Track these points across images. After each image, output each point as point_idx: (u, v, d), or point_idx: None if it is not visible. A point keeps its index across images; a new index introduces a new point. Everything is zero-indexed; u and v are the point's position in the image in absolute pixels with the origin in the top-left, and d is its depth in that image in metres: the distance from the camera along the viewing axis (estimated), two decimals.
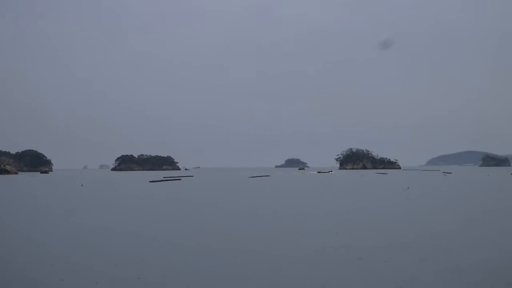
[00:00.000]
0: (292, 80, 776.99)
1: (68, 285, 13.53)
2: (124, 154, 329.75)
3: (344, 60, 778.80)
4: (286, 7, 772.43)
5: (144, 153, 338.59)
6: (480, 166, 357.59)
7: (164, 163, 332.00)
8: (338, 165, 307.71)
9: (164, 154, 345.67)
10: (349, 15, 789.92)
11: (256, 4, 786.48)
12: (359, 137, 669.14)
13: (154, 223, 28.43)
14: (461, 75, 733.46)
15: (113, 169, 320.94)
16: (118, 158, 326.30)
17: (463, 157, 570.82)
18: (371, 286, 13.07)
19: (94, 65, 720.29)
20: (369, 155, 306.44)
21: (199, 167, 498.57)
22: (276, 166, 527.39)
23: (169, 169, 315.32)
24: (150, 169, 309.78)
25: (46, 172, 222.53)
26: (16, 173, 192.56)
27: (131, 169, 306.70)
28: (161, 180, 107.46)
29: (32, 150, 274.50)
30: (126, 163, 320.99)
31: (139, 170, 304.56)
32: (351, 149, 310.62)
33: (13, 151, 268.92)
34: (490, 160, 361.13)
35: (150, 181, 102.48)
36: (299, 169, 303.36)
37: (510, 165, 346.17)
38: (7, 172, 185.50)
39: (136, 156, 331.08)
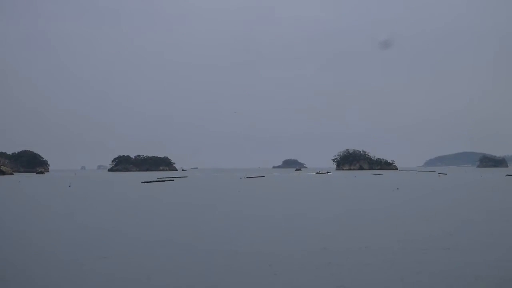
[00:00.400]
0: (290, 81, 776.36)
1: None
2: (121, 154, 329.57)
3: (342, 61, 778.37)
4: (286, 8, 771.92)
5: (143, 154, 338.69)
6: (478, 167, 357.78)
7: (161, 163, 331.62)
8: (335, 166, 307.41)
9: (163, 154, 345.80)
10: (347, 15, 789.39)
11: (256, 4, 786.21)
12: (357, 138, 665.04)
13: (126, 222, 28.22)
14: (460, 76, 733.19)
15: (109, 170, 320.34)
16: (115, 159, 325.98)
17: (461, 158, 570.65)
18: None
19: (93, 65, 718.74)
20: (366, 156, 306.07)
21: (197, 168, 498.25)
22: (274, 167, 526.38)
23: (166, 170, 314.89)
24: (147, 170, 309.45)
25: (42, 173, 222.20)
26: (12, 174, 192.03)
27: (127, 170, 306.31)
28: (153, 181, 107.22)
29: (29, 151, 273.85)
30: (122, 163, 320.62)
31: (136, 170, 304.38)
32: (347, 150, 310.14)
33: (10, 152, 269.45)
34: (488, 161, 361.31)
35: (142, 182, 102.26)
36: (295, 170, 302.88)
37: (507, 166, 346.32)
38: (3, 172, 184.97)
39: (133, 157, 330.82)
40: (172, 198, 53.32)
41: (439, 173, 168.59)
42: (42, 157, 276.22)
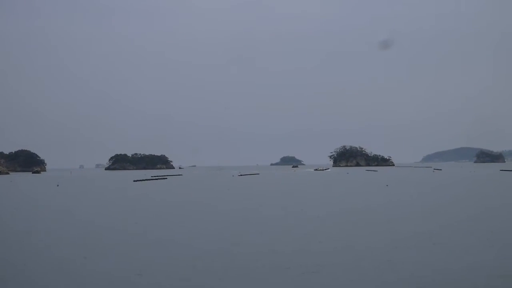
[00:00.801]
0: (288, 78, 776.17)
1: None
2: (118, 153, 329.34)
3: (341, 59, 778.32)
4: (286, 5, 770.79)
5: (141, 152, 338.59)
6: (475, 162, 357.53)
7: (158, 162, 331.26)
8: (331, 162, 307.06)
9: (162, 153, 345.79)
10: (348, 13, 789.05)
11: (256, 2, 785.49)
12: (355, 135, 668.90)
13: (104, 221, 28.25)
14: (459, 73, 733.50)
15: (106, 169, 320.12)
16: (112, 157, 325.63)
17: (459, 154, 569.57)
18: None
19: (92, 64, 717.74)
20: (363, 152, 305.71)
21: (195, 166, 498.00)
22: (272, 164, 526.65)
23: (163, 168, 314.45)
24: (144, 168, 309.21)
25: (38, 172, 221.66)
26: (7, 173, 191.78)
27: (125, 168, 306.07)
28: (146, 179, 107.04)
29: (26, 150, 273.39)
30: (120, 162, 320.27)
31: (133, 169, 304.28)
32: (344, 146, 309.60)
33: (7, 151, 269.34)
34: (485, 157, 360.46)
35: (134, 180, 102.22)
36: (292, 167, 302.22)
37: (504, 161, 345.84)
38: None
39: (130, 155, 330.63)
40: (156, 196, 53.39)
41: (434, 169, 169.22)
42: (39, 157, 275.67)
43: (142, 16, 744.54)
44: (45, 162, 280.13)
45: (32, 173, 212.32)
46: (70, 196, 56.48)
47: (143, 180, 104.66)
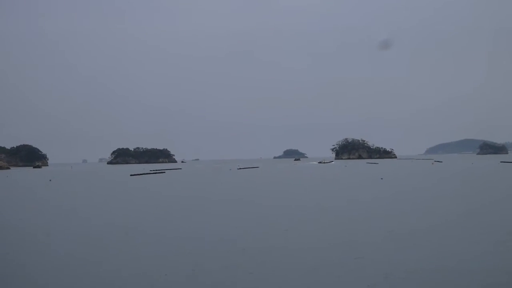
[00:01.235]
0: (291, 70, 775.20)
1: None
2: (121, 147, 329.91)
3: (343, 50, 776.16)
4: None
5: (143, 146, 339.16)
6: (478, 154, 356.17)
7: (160, 155, 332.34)
8: (334, 155, 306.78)
9: (166, 147, 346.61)
10: (350, 8, 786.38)
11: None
12: (359, 128, 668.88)
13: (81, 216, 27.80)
14: (461, 64, 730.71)
15: (109, 163, 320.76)
16: (114, 152, 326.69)
17: (463, 146, 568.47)
18: None
19: (94, 59, 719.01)
20: (365, 144, 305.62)
21: (198, 159, 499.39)
22: (275, 157, 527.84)
23: (166, 162, 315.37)
24: (146, 162, 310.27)
25: (39, 167, 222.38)
26: (8, 168, 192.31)
27: (127, 162, 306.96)
28: (143, 174, 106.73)
29: (27, 145, 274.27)
30: (122, 156, 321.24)
31: (135, 163, 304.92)
32: (346, 139, 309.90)
33: (9, 146, 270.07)
34: (488, 148, 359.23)
35: (131, 175, 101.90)
36: (294, 160, 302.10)
37: (507, 153, 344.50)
38: None
39: (132, 149, 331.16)
40: (145, 190, 53.01)
41: (435, 161, 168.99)
42: (40, 151, 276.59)
43: (143, 10, 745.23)
44: (47, 156, 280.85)
45: (33, 168, 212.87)
46: (56, 191, 56.00)
47: (140, 174, 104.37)
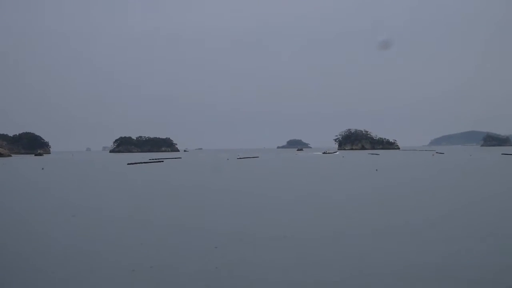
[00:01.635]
0: (295, 61, 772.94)
1: None
2: (123, 135, 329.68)
3: (346, 41, 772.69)
4: None
5: (147, 135, 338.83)
6: (482, 146, 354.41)
7: (163, 144, 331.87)
8: (337, 146, 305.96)
9: (170, 136, 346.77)
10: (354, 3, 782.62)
11: None
12: (364, 118, 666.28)
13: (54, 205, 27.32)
14: (467, 53, 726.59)
15: (111, 151, 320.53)
16: (116, 140, 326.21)
17: (467, 137, 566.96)
18: None
19: (99, 48, 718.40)
20: (368, 135, 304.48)
21: (201, 149, 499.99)
22: (278, 147, 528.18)
23: (168, 151, 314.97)
24: (148, 151, 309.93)
25: (40, 154, 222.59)
26: (10, 156, 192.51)
27: (129, 151, 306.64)
28: (140, 162, 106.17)
29: (30, 133, 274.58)
30: (124, 144, 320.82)
31: (138, 151, 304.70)
32: (349, 129, 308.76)
33: (13, 133, 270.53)
34: (492, 140, 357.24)
35: (128, 163, 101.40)
36: (297, 150, 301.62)
37: (511, 145, 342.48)
38: (0, 154, 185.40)
39: (135, 138, 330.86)
40: (137, 178, 52.53)
41: (436, 152, 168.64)
42: (43, 139, 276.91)
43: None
44: (49, 144, 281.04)
45: (35, 155, 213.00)
46: (41, 179, 55.41)
47: (137, 163, 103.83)
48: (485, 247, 14.97)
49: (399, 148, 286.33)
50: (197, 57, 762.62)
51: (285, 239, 16.60)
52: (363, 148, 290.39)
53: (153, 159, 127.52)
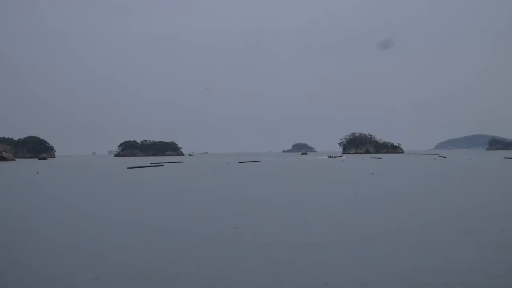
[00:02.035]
0: (301, 65, 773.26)
1: None
2: (127, 140, 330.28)
3: (351, 43, 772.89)
4: None
5: (153, 139, 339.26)
6: (487, 150, 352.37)
7: (167, 148, 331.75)
8: (341, 149, 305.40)
9: (177, 140, 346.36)
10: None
11: None
12: (369, 122, 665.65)
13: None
14: (476, 56, 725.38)
15: (116, 155, 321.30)
16: (121, 144, 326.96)
17: (472, 141, 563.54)
18: None
19: (102, 53, 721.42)
20: (372, 139, 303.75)
21: (207, 152, 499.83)
22: (283, 151, 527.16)
23: (173, 155, 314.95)
24: (153, 155, 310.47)
25: (44, 158, 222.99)
26: (13, 160, 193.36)
27: (134, 155, 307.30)
28: (140, 167, 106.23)
29: (34, 137, 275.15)
30: (129, 148, 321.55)
31: (142, 155, 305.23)
32: (354, 133, 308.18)
33: (18, 138, 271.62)
34: (497, 144, 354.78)
35: (127, 168, 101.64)
36: (301, 154, 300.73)
37: None
38: (4, 159, 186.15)
39: (139, 142, 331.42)
40: (131, 184, 52.61)
41: (438, 156, 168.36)
42: (48, 143, 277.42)
43: (150, 5, 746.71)
44: (54, 148, 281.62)
45: (39, 159, 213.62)
46: (31, 184, 55.58)
47: (137, 167, 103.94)
48: (456, 254, 14.93)
49: (403, 152, 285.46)
50: (203, 61, 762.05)
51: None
52: (367, 152, 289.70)
53: (154, 163, 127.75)
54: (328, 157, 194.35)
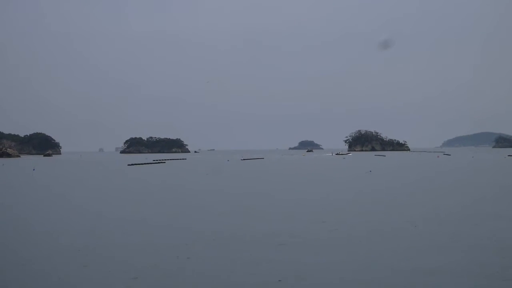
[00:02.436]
0: (307, 60, 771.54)
1: None
2: (133, 136, 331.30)
3: (356, 41, 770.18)
4: None
5: (162, 136, 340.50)
6: (493, 147, 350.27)
7: (173, 145, 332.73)
8: (347, 147, 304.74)
9: (183, 137, 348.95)
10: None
11: None
12: (376, 119, 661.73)
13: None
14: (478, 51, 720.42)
15: (122, 152, 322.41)
16: (127, 141, 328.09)
17: (479, 139, 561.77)
18: None
19: (110, 52, 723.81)
20: (378, 136, 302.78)
21: (214, 150, 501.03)
22: (290, 148, 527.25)
23: (179, 152, 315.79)
24: (159, 152, 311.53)
25: (49, 155, 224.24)
26: (18, 156, 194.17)
27: (140, 152, 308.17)
28: (141, 163, 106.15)
29: (40, 133, 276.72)
30: (135, 145, 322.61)
31: (148, 152, 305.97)
32: (359, 131, 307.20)
33: (22, 134, 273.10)
34: (503, 141, 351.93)
35: (128, 164, 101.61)
36: (307, 151, 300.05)
37: None
38: (9, 155, 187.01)
39: (145, 139, 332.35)
40: (127, 182, 52.53)
41: (443, 153, 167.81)
42: (53, 140, 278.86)
43: (156, 2, 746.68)
44: (60, 145, 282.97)
45: (44, 156, 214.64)
46: (22, 181, 55.59)
47: (138, 164, 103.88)
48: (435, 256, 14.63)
49: (409, 150, 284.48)
50: (209, 58, 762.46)
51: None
52: (373, 149, 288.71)
53: (156, 160, 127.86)
54: (336, 154, 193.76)
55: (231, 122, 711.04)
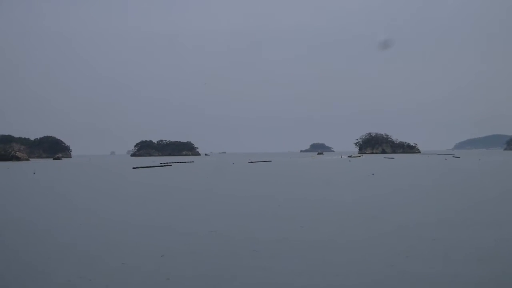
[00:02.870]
0: (318, 64, 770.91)
1: None
2: (144, 139, 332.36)
3: (366, 43, 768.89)
4: None
5: (165, 139, 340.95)
6: (505, 149, 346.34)
7: (183, 148, 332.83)
8: (357, 150, 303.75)
9: (194, 140, 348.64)
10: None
11: None
12: (387, 121, 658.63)
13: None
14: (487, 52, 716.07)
15: (132, 155, 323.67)
16: (137, 144, 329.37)
17: (492, 141, 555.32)
18: None
19: (120, 58, 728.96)
20: (388, 139, 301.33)
21: (225, 152, 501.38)
22: (301, 151, 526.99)
23: (189, 155, 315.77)
24: (169, 155, 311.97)
25: (59, 158, 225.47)
26: (27, 160, 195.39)
27: (150, 155, 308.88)
28: (146, 167, 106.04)
29: (50, 137, 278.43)
30: (145, 148, 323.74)
31: (158, 155, 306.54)
32: (370, 133, 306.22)
33: (33, 138, 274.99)
34: None
35: (133, 168, 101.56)
36: (317, 153, 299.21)
37: None
38: (18, 158, 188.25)
39: (156, 142, 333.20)
40: (127, 185, 52.34)
41: (453, 156, 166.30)
42: (64, 143, 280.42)
43: (158, 5, 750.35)
44: (71, 148, 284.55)
45: (53, 159, 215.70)
46: (17, 184, 55.63)
47: (143, 167, 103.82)
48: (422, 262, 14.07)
49: (419, 152, 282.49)
50: (215, 65, 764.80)
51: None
52: (383, 151, 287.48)
53: (162, 163, 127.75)
54: (348, 157, 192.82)
55: (244, 126, 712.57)
